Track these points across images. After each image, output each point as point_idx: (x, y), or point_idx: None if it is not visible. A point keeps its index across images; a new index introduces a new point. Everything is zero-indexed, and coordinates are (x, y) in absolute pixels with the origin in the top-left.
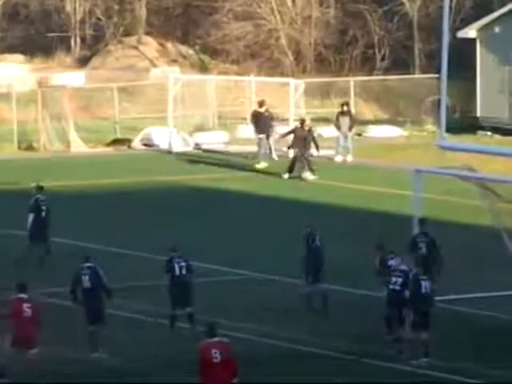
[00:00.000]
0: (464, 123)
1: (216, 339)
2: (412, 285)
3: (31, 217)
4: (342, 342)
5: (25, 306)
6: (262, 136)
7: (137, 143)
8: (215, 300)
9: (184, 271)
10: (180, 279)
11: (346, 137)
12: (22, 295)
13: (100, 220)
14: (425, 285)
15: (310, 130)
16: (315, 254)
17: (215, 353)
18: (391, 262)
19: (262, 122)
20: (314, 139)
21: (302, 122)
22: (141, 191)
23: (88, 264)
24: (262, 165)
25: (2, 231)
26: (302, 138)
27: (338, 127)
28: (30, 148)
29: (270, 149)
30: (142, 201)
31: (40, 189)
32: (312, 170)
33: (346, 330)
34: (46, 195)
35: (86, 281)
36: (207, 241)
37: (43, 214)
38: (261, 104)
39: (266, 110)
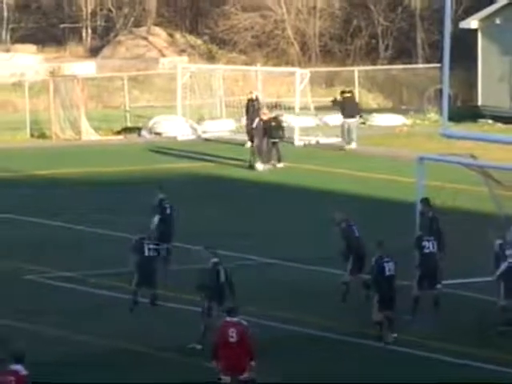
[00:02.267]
0: (466, 112)
1: (235, 319)
2: (375, 267)
3: (157, 218)
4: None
5: None
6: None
7: (146, 131)
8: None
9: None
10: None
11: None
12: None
13: (114, 206)
14: (388, 267)
15: (271, 119)
16: (357, 245)
17: (232, 332)
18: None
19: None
20: (276, 128)
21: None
22: (151, 178)
23: (216, 260)
24: None
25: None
26: (263, 127)
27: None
28: (42, 136)
29: None
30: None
31: (161, 188)
32: (268, 160)
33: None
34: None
35: (222, 276)
36: (210, 225)
37: (168, 212)
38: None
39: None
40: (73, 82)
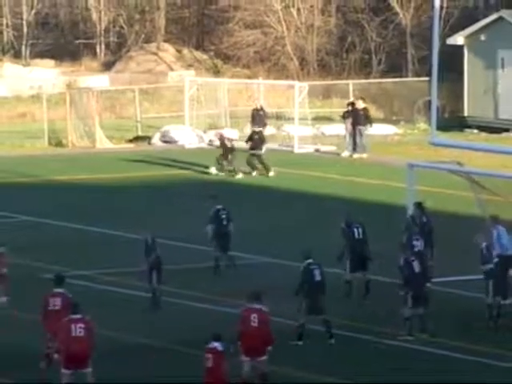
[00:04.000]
0: (453, 122)
1: (257, 305)
2: (405, 267)
3: (210, 227)
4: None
5: None
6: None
7: (156, 140)
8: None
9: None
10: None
11: (350, 133)
12: None
13: (128, 210)
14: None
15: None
16: (358, 244)
17: (254, 317)
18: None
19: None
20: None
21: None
22: (162, 183)
23: (310, 260)
24: None
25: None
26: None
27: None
28: (59, 144)
29: None
30: (165, 192)
31: (215, 197)
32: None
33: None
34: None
35: (318, 275)
36: None
37: (224, 223)
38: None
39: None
40: (88, 94)
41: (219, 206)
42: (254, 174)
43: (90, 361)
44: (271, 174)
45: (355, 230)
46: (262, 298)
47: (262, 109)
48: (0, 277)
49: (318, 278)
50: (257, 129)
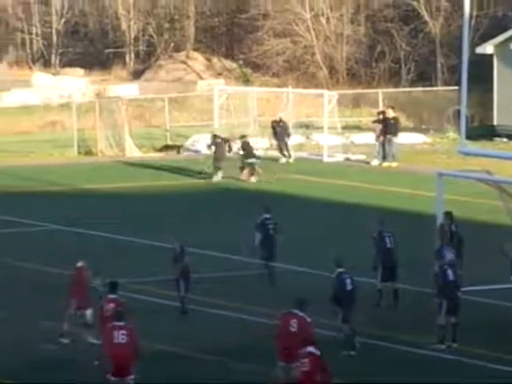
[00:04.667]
0: (482, 131)
1: (299, 312)
2: (440, 275)
3: (258, 236)
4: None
5: None
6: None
7: (185, 149)
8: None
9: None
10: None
11: (379, 142)
12: None
13: (157, 218)
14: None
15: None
16: (389, 254)
17: (294, 323)
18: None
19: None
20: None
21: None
22: (190, 192)
23: (341, 269)
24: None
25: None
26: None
27: (375, 133)
28: (88, 153)
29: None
30: (194, 200)
31: (267, 209)
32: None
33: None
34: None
35: (349, 284)
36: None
37: (270, 232)
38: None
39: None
40: (117, 103)
41: (266, 215)
42: (253, 179)
43: (132, 368)
44: (252, 180)
45: (387, 239)
46: (304, 305)
47: (281, 120)
48: (82, 290)
49: (349, 286)
50: (246, 139)
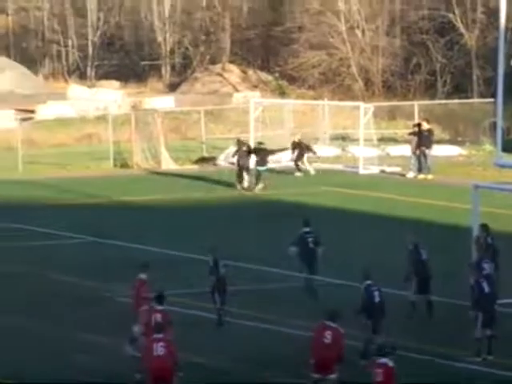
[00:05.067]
0: None
1: (332, 324)
2: (476, 288)
3: (295, 249)
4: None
5: None
6: None
7: (221, 161)
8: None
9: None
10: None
11: (415, 154)
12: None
13: (192, 230)
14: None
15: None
16: (423, 267)
17: (328, 334)
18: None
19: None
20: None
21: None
22: (226, 204)
23: (369, 282)
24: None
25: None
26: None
27: (411, 145)
28: (124, 165)
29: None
30: (229, 213)
31: (306, 223)
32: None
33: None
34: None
35: (377, 296)
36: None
37: (310, 246)
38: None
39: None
40: (153, 115)
41: (306, 229)
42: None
43: (172, 380)
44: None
45: (422, 251)
46: (336, 317)
47: (299, 142)
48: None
49: (377, 299)
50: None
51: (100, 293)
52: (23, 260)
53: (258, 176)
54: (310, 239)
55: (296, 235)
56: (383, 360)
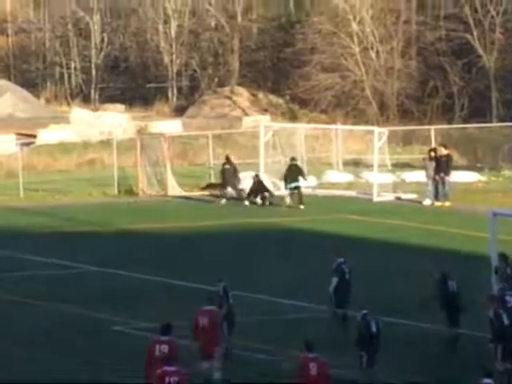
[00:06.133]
0: None
1: (314, 355)
2: (495, 320)
3: (335, 280)
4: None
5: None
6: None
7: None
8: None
9: None
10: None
11: (434, 180)
12: None
13: (201, 260)
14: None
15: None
16: (453, 298)
17: (313, 366)
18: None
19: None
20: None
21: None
22: (235, 232)
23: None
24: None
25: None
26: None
27: (426, 171)
28: (129, 192)
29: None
30: (239, 241)
31: (340, 253)
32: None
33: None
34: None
35: (373, 326)
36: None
37: (347, 276)
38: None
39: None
40: (159, 139)
41: (341, 259)
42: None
43: None
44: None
45: (450, 282)
46: (314, 347)
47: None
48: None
49: (374, 329)
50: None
51: (105, 324)
52: (25, 289)
53: (299, 193)
54: (346, 270)
55: (333, 266)
56: (487, 380)
